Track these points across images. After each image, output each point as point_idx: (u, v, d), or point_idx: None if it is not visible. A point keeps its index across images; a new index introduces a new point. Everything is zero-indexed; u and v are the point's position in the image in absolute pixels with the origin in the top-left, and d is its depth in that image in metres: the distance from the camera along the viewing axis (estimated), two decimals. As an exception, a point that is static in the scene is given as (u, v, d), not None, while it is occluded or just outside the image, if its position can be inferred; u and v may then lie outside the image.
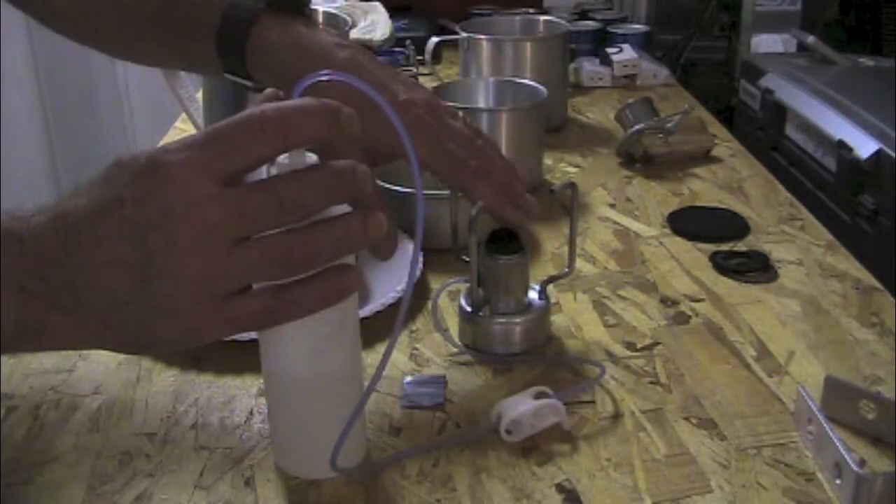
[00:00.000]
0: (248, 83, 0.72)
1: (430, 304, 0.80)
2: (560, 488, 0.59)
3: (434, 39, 1.35)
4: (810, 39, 1.77)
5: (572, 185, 0.74)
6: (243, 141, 0.46)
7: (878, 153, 1.31)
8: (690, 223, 0.98)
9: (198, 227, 0.45)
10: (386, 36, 1.61)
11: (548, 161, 1.15)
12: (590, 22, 1.70)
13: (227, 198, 0.46)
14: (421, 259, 0.84)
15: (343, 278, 0.50)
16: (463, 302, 0.75)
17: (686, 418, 0.66)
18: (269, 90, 0.61)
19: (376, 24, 1.63)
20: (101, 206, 0.46)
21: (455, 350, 0.74)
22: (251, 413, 0.66)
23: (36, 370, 0.71)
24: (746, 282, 0.85)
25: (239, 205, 0.46)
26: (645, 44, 1.64)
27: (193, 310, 0.47)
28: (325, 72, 0.52)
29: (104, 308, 0.46)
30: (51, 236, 0.46)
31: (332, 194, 0.49)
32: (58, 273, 0.45)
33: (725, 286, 0.84)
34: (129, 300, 0.46)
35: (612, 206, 1.03)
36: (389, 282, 0.80)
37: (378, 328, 0.72)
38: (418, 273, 0.83)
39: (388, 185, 0.91)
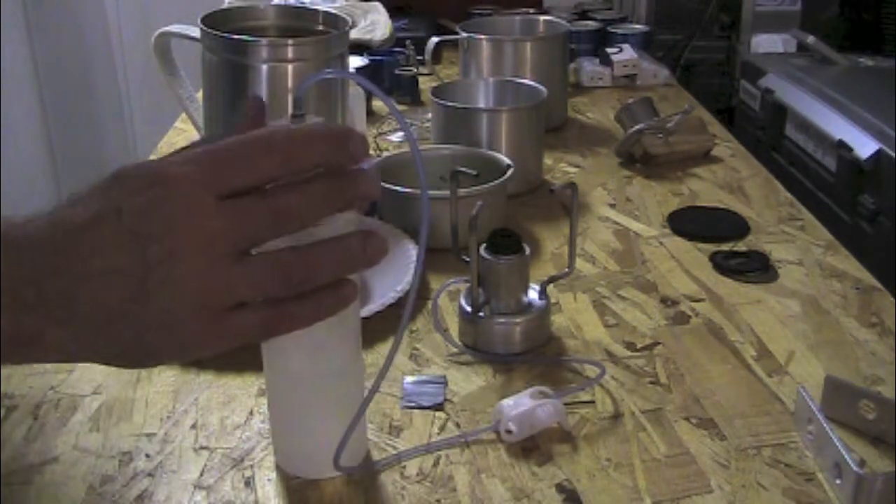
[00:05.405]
0: None
1: (430, 304, 0.80)
2: (560, 488, 0.59)
3: (434, 39, 1.35)
4: (810, 39, 1.77)
5: (572, 185, 0.74)
6: (247, 161, 0.46)
7: (878, 153, 1.31)
8: (690, 223, 0.98)
9: (198, 240, 0.45)
10: (386, 36, 1.61)
11: (548, 161, 1.15)
12: (590, 22, 1.70)
13: (227, 210, 0.46)
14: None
15: (340, 292, 0.50)
16: (463, 302, 0.75)
17: (686, 418, 0.66)
18: (254, 96, 0.60)
19: (376, 24, 1.63)
20: (99, 215, 0.45)
21: (455, 350, 0.74)
22: (251, 413, 0.66)
23: (36, 370, 0.71)
24: (746, 282, 0.85)
25: (238, 217, 0.46)
26: (645, 44, 1.64)
27: (191, 323, 0.46)
28: (329, 70, 0.51)
29: (99, 320, 0.45)
30: (47, 243, 0.45)
31: (333, 204, 0.49)
32: (53, 282, 0.45)
33: (725, 286, 0.84)
34: (125, 312, 0.45)
35: (612, 206, 1.03)
36: (389, 282, 0.80)
37: (378, 328, 0.72)
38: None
39: (388, 186, 0.91)
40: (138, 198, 0.45)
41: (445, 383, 0.70)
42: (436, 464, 0.61)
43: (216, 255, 0.45)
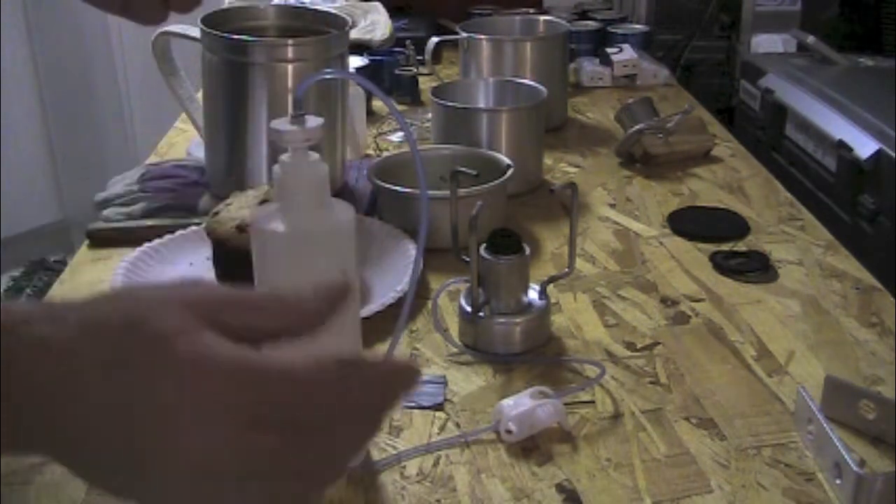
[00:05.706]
0: None
1: (430, 304, 0.80)
2: (560, 488, 0.59)
3: (434, 39, 1.35)
4: (810, 39, 1.77)
5: (572, 185, 0.74)
6: (286, 398, 0.38)
7: (878, 153, 1.31)
8: (690, 223, 0.97)
9: (197, 465, 0.37)
10: (386, 36, 1.61)
11: (548, 161, 1.15)
12: (590, 22, 1.70)
13: (241, 444, 0.38)
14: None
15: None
16: (463, 302, 0.75)
17: (686, 418, 0.66)
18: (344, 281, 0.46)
19: (376, 24, 1.62)
20: (98, 375, 0.36)
21: (455, 350, 0.74)
22: (251, 413, 0.66)
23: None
24: (746, 282, 0.85)
25: (248, 451, 0.38)
26: (645, 44, 1.64)
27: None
28: (329, 70, 0.51)
29: (100, 458, 0.38)
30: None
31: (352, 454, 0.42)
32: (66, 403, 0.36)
33: (725, 286, 0.84)
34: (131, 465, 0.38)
35: (612, 206, 1.03)
36: (389, 282, 0.80)
37: (378, 328, 0.72)
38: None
39: (388, 185, 0.91)
40: (149, 381, 0.37)
41: (445, 383, 0.70)
42: (436, 464, 0.61)
43: (213, 478, 0.38)
